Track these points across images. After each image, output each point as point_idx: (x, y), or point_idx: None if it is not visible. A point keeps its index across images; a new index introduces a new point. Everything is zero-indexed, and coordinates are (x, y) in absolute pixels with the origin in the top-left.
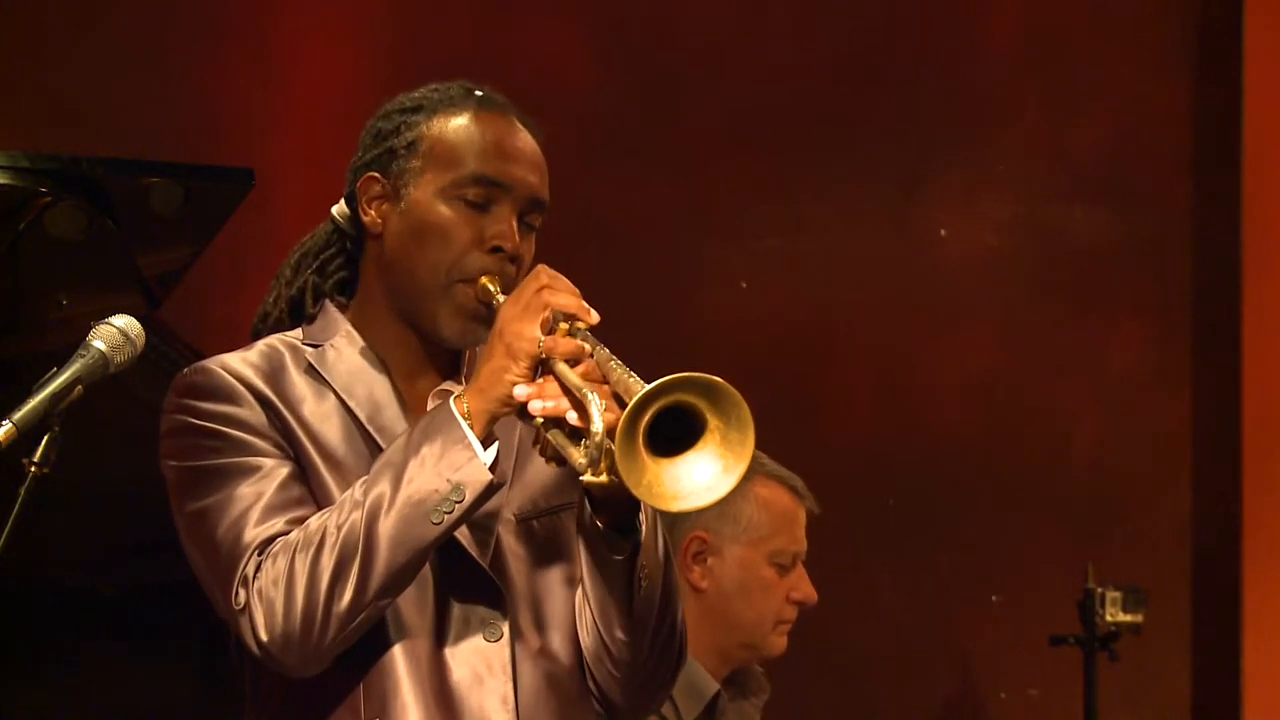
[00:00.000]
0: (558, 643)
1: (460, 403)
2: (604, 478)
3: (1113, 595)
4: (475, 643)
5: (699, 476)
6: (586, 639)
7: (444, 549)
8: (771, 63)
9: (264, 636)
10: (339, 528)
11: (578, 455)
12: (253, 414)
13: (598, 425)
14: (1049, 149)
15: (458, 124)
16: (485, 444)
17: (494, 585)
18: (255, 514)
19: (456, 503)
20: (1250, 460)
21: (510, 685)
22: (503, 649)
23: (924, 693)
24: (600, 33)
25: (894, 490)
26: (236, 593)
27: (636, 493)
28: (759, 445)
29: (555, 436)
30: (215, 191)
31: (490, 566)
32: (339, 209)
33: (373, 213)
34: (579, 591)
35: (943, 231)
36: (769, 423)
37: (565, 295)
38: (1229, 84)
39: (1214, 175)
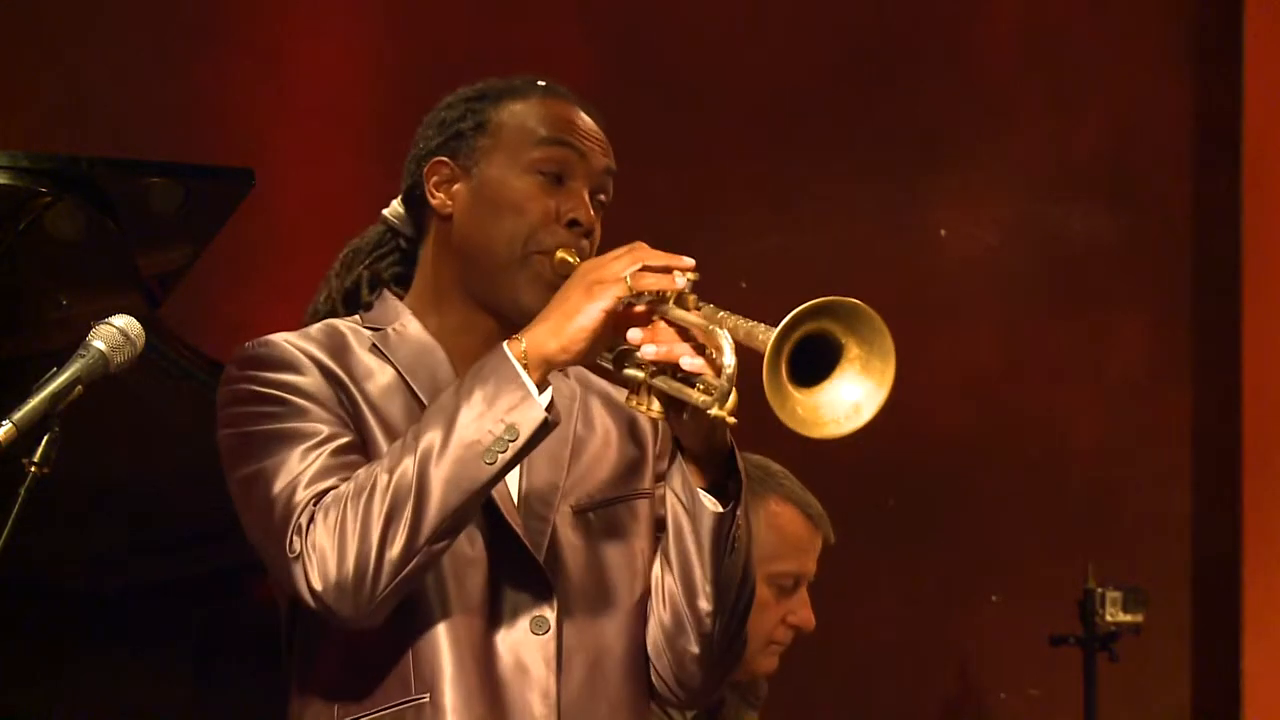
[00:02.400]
0: (612, 636)
1: (516, 345)
2: (728, 413)
3: (1113, 595)
4: (522, 634)
5: (842, 403)
6: (665, 616)
7: (499, 539)
8: (771, 62)
9: (317, 585)
10: (390, 472)
11: (697, 394)
12: (316, 383)
13: (730, 359)
14: (1049, 149)
15: (525, 105)
16: (540, 389)
17: (544, 578)
18: (311, 473)
19: (510, 441)
20: (1250, 460)
21: (554, 680)
22: (549, 642)
23: (924, 693)
24: (600, 33)
25: (894, 490)
26: (290, 542)
27: (781, 416)
28: (765, 454)
29: (665, 382)
30: (215, 191)
31: (545, 559)
32: (391, 210)
33: (441, 195)
34: (656, 567)
35: (943, 231)
36: (769, 422)
37: (655, 252)
38: (1229, 84)
39: (1214, 175)
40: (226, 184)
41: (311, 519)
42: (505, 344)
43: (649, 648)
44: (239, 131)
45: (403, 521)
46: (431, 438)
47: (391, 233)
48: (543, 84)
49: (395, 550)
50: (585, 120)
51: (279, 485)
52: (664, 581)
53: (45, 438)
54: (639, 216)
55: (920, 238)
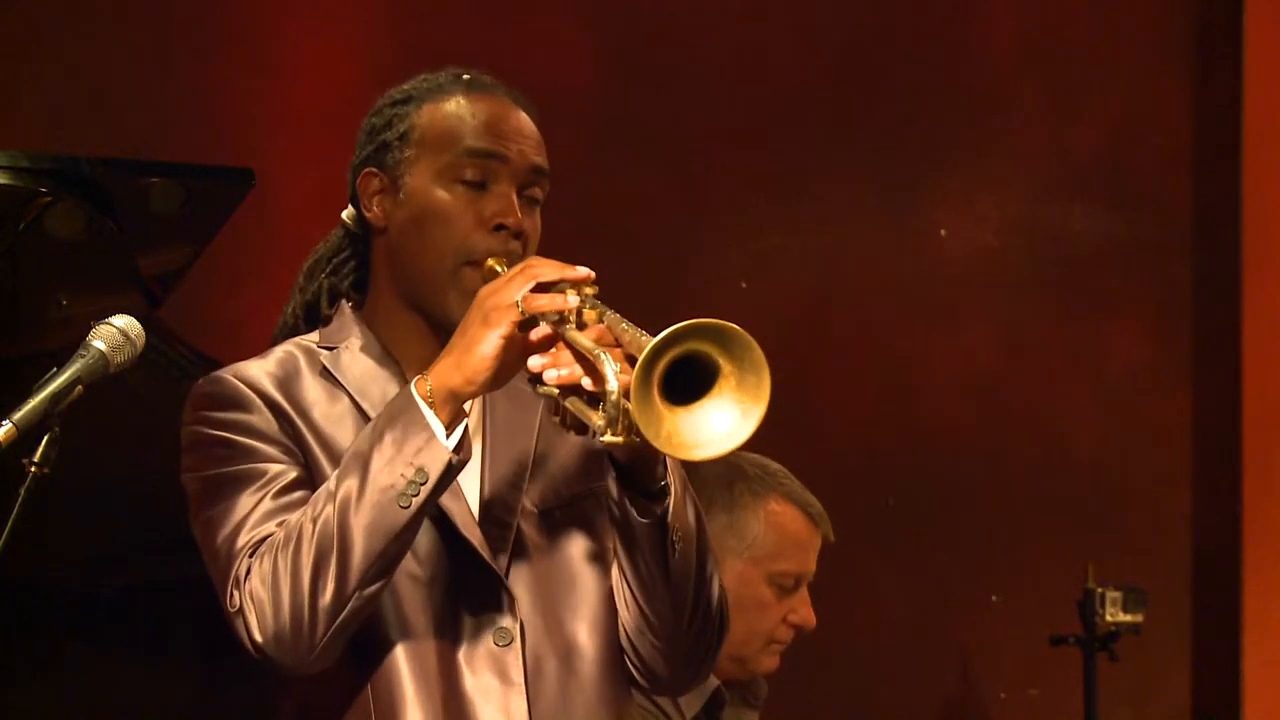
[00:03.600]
0: (585, 634)
1: (423, 383)
2: (622, 437)
3: (1113, 595)
4: (486, 648)
5: (718, 424)
6: (626, 615)
7: (455, 554)
8: (771, 62)
9: (258, 637)
10: (314, 521)
11: (596, 418)
12: (263, 420)
13: (613, 384)
14: (1049, 149)
15: (448, 108)
16: (453, 423)
17: (504, 588)
18: (253, 519)
19: (421, 485)
20: (1250, 460)
21: (522, 690)
22: (514, 653)
23: (924, 693)
24: (600, 33)
25: (894, 490)
26: (231, 596)
27: (656, 444)
28: (767, 451)
29: (574, 404)
30: (215, 191)
31: (510, 563)
32: (347, 213)
33: (375, 208)
34: (614, 569)
35: (943, 231)
36: (768, 423)
37: (549, 266)
38: (1229, 83)
39: (1214, 175)
40: (226, 184)
41: (249, 571)
42: (413, 383)
43: (621, 641)
44: (239, 131)
45: (330, 570)
46: (349, 485)
47: (349, 236)
48: (467, 78)
49: (326, 599)
50: (512, 118)
51: (222, 535)
52: (622, 584)
53: (45, 438)
54: (639, 215)
55: (920, 238)
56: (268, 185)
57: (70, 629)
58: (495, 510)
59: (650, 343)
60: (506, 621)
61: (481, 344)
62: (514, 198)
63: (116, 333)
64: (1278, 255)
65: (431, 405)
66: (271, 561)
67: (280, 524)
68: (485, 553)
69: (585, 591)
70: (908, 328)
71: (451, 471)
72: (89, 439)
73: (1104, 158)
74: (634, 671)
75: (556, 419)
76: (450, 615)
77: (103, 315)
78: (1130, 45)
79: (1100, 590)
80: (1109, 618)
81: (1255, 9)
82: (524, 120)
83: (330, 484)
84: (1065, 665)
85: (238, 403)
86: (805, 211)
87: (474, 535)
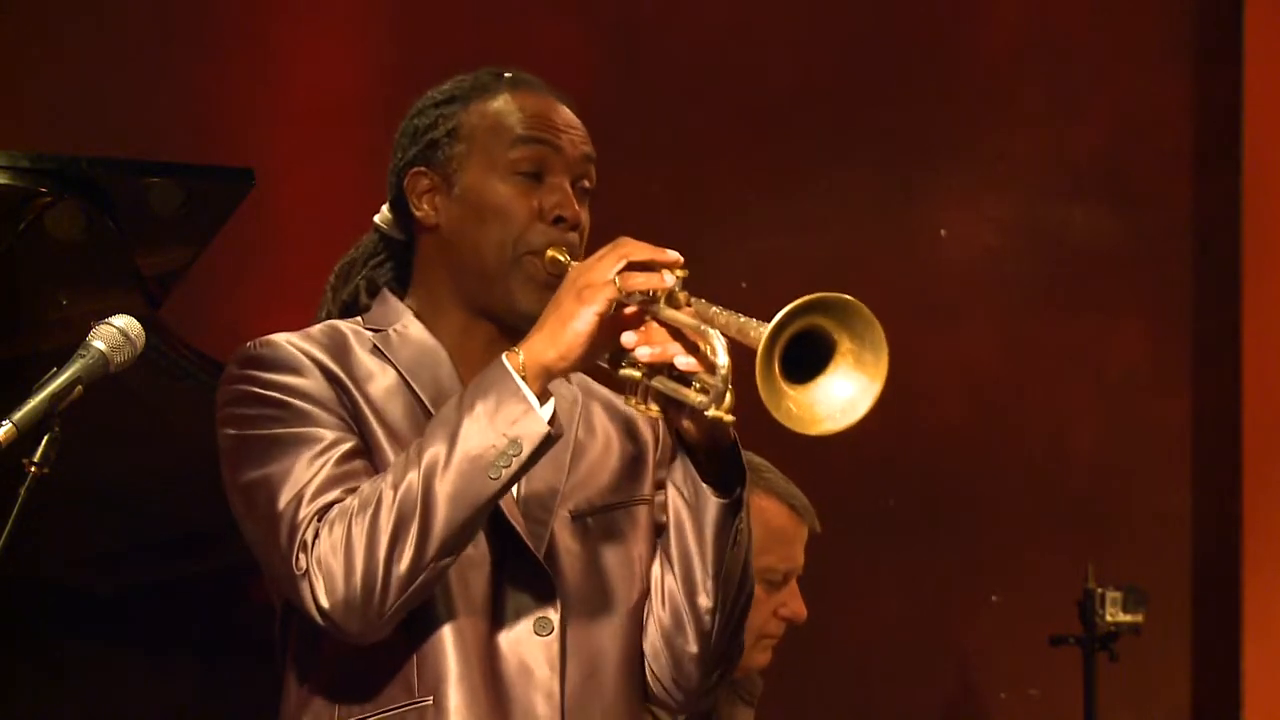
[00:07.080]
0: (609, 639)
1: (514, 357)
2: (726, 413)
3: (1113, 595)
4: (525, 635)
5: (837, 399)
6: (663, 615)
7: (501, 541)
8: (771, 62)
9: (325, 603)
10: (395, 488)
11: (694, 395)
12: (318, 386)
13: (723, 359)
14: (1049, 149)
15: (495, 104)
16: (542, 400)
17: (548, 579)
18: (316, 484)
19: (514, 456)
20: (1250, 460)
21: (557, 680)
22: (552, 644)
23: (924, 693)
24: (600, 33)
25: (894, 490)
26: (297, 559)
27: (777, 415)
28: (765, 454)
29: (662, 383)
30: (215, 191)
31: (544, 561)
32: (382, 217)
33: (425, 206)
34: (656, 567)
35: (943, 231)
36: (768, 423)
37: (640, 247)
38: (1229, 83)
39: (1214, 175)
40: (226, 184)
41: (317, 535)
42: (504, 356)
43: (646, 650)
44: (239, 131)
45: (409, 537)
46: (435, 452)
47: (385, 240)
48: (509, 75)
49: (403, 566)
50: (557, 110)
51: (284, 498)
52: (664, 581)
53: (45, 438)
54: (640, 216)
55: (920, 238)
56: (268, 185)
57: (70, 629)
58: (532, 509)
59: (778, 314)
60: (549, 611)
61: (576, 320)
62: (569, 189)
63: (116, 333)
64: (1278, 255)
65: (525, 379)
66: (344, 527)
67: (347, 491)
68: (530, 542)
69: (612, 599)
70: (908, 328)
71: (547, 444)
72: (89, 439)
73: (1104, 158)
74: (656, 684)
75: (633, 401)
76: (495, 599)
77: (103, 315)
78: (1130, 45)
79: (1100, 590)
80: (1109, 618)
81: (1255, 9)
82: (569, 112)
83: (411, 451)
84: (1065, 665)
85: (292, 366)
86: (805, 211)
87: (519, 523)
